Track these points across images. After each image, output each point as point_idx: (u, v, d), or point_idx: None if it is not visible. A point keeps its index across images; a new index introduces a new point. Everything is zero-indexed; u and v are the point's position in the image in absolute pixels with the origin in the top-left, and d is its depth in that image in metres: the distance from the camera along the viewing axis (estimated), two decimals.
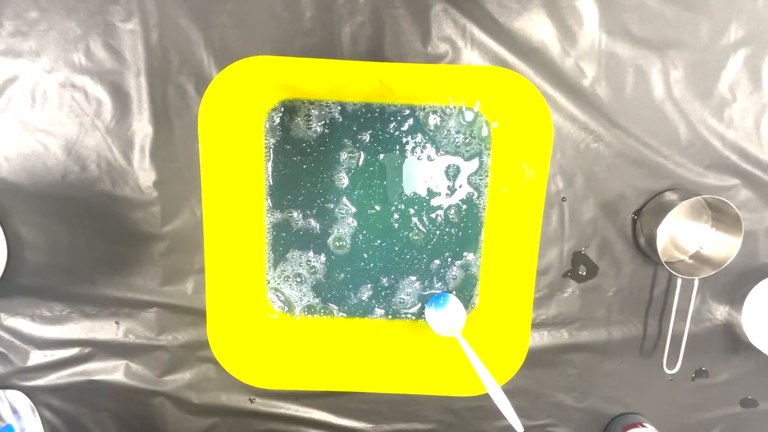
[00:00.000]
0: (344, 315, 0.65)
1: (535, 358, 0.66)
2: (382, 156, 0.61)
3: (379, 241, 0.63)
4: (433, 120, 0.60)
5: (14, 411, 0.65)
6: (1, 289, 0.62)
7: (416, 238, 0.63)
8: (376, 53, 0.59)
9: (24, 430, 0.65)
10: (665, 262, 0.60)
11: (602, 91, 0.60)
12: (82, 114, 0.60)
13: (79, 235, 0.63)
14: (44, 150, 0.61)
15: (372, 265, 0.64)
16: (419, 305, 0.65)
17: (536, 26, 0.59)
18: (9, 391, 0.66)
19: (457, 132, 0.60)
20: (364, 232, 0.63)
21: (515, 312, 0.57)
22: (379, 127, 0.60)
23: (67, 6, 0.58)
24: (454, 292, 0.64)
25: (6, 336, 0.65)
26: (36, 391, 0.67)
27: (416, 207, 0.62)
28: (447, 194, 0.62)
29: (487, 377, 0.55)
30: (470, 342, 0.59)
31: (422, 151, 0.61)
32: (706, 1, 0.58)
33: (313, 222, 0.62)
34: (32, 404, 0.67)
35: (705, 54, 0.59)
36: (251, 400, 0.68)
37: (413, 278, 0.64)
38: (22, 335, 0.65)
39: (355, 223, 0.62)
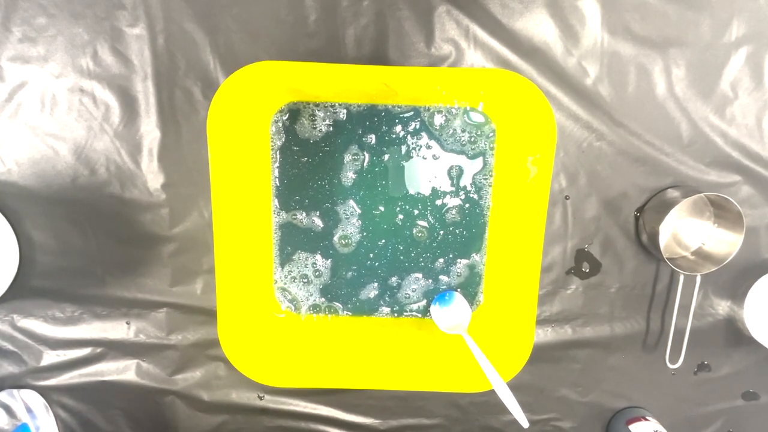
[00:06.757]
0: (350, 313, 0.66)
1: (539, 354, 0.67)
2: (386, 156, 0.61)
3: (384, 241, 0.64)
4: (437, 120, 0.61)
5: (29, 410, 0.67)
6: (14, 291, 0.63)
7: (421, 236, 0.64)
8: (380, 55, 0.59)
9: (39, 429, 0.66)
10: (668, 259, 0.61)
11: (605, 90, 0.60)
12: (90, 118, 0.61)
13: (89, 238, 0.64)
14: (54, 154, 0.62)
15: (378, 264, 0.64)
16: (424, 303, 0.66)
17: (539, 26, 0.59)
18: (23, 391, 0.67)
19: (462, 132, 0.61)
20: (370, 231, 0.63)
21: (520, 309, 0.58)
22: (383, 128, 0.61)
23: (75, 12, 0.58)
24: (459, 290, 0.65)
25: (20, 336, 0.67)
26: (49, 390, 0.68)
27: (421, 206, 0.63)
28: (451, 194, 0.62)
29: (493, 373, 0.56)
30: (475, 339, 0.60)
31: (427, 152, 0.61)
32: None
33: (319, 222, 0.63)
34: (46, 403, 0.68)
35: (707, 52, 0.60)
36: (260, 397, 0.69)
37: (418, 276, 0.65)
38: (35, 336, 0.67)
39: (361, 222, 0.63)
